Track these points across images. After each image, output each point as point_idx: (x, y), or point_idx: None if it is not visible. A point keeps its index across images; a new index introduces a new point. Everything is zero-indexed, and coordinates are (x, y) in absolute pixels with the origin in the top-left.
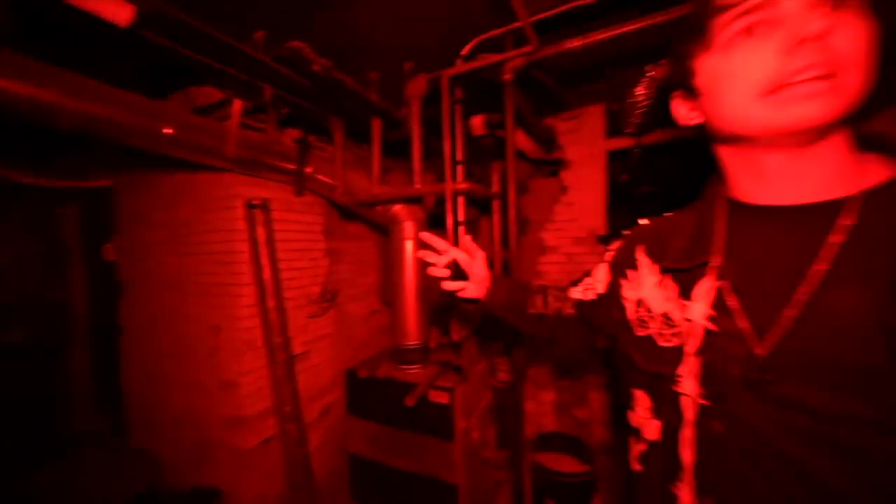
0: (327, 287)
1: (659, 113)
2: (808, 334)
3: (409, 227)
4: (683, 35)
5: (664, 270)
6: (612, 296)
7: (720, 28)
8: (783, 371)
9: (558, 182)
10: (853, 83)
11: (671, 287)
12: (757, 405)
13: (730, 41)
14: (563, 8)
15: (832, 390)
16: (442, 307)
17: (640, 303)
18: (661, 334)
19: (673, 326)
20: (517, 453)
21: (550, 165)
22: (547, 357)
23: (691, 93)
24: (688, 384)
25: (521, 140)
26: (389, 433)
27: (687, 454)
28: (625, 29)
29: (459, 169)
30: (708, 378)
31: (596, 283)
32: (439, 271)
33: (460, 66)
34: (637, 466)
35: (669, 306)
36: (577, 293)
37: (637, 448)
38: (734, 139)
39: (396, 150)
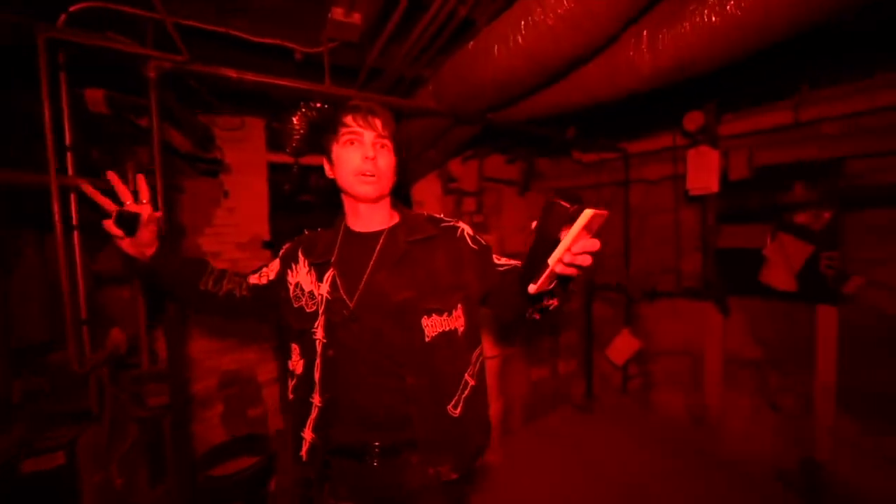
0: None
1: (311, 140)
2: (369, 294)
3: None
4: (327, 132)
5: (311, 264)
6: (280, 281)
7: (341, 135)
8: (361, 312)
9: (219, 184)
10: (387, 180)
11: (313, 274)
12: (352, 334)
13: (343, 143)
14: (218, 28)
15: (382, 318)
16: (37, 343)
17: (297, 285)
18: (307, 304)
19: (313, 299)
20: (183, 481)
21: (207, 164)
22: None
23: (330, 161)
24: (318, 332)
25: (169, 133)
26: None
27: (317, 374)
28: (279, 82)
29: (70, 156)
30: (328, 327)
31: (270, 272)
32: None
33: (74, 36)
34: (291, 396)
35: (312, 287)
36: (254, 279)
37: (291, 384)
38: (347, 194)
39: None
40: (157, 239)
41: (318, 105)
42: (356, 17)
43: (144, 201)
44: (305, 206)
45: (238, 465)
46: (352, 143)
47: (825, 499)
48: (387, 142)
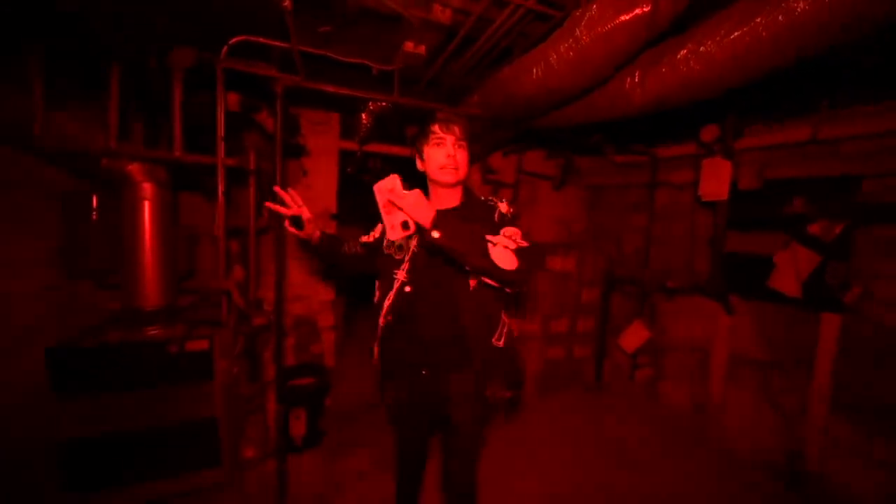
0: None
1: (375, 131)
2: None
3: (148, 188)
4: (419, 135)
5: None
6: (380, 238)
7: (431, 139)
8: (436, 263)
9: (299, 165)
10: (462, 172)
11: (403, 233)
12: (426, 277)
13: (432, 145)
14: (324, 52)
15: (446, 270)
16: (184, 272)
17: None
18: (395, 253)
19: (401, 251)
20: (264, 385)
21: (293, 147)
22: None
23: (421, 158)
24: (400, 275)
25: (267, 121)
26: (128, 398)
27: (386, 303)
28: (363, 94)
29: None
30: (411, 271)
31: (375, 233)
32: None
33: (237, 64)
34: (381, 321)
35: (402, 242)
36: (364, 239)
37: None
38: (431, 180)
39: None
40: (317, 228)
41: (382, 104)
42: (422, 49)
43: (301, 205)
44: (364, 186)
45: (304, 381)
46: (438, 145)
47: (808, 489)
48: (463, 143)
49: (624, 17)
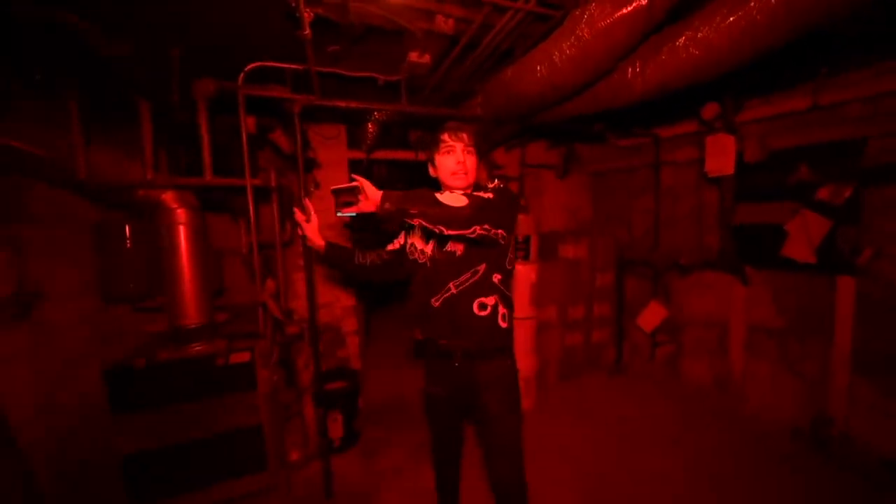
0: (21, 288)
1: (380, 140)
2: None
3: (182, 213)
4: (431, 145)
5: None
6: (404, 245)
7: (441, 147)
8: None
9: (312, 178)
10: (471, 176)
11: (422, 237)
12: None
13: (442, 153)
14: (334, 70)
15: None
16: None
17: (412, 244)
18: (419, 257)
19: (424, 255)
20: (301, 392)
21: (305, 163)
22: None
23: (433, 165)
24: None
25: (280, 139)
26: (179, 412)
27: (436, 303)
28: (373, 106)
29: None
30: (431, 273)
31: (399, 241)
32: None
33: (257, 90)
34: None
35: (423, 246)
36: (390, 247)
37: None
38: (443, 185)
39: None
40: (323, 240)
41: (387, 113)
42: (426, 58)
43: (313, 214)
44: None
45: (338, 385)
46: (448, 153)
47: (831, 448)
48: (472, 149)
49: (623, 12)
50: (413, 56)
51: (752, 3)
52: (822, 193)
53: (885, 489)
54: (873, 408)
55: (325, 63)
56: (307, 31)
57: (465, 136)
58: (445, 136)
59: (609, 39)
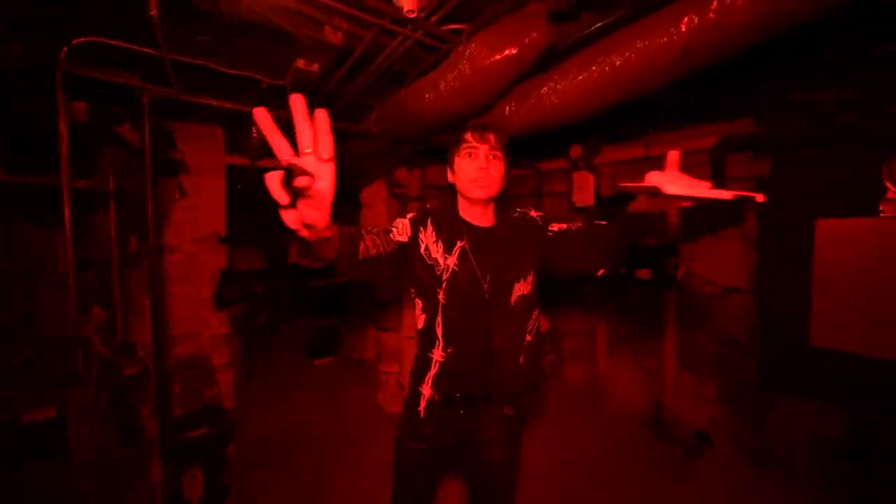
0: None
1: (268, 145)
2: (497, 273)
3: None
4: (451, 146)
5: (438, 235)
6: (413, 240)
7: (462, 148)
8: (482, 286)
9: (177, 183)
10: (496, 186)
11: (441, 246)
12: (468, 302)
13: (463, 155)
14: (204, 62)
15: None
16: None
17: (426, 247)
18: (436, 267)
19: (439, 265)
20: (147, 448)
21: (164, 165)
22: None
23: (452, 170)
24: (441, 294)
25: (131, 135)
26: None
27: (439, 330)
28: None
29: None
30: (449, 291)
31: (405, 231)
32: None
33: (83, 69)
34: (415, 349)
35: (439, 255)
36: (396, 237)
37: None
38: (463, 196)
39: None
40: (331, 219)
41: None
42: (315, 67)
43: (327, 157)
44: (262, 206)
45: (197, 433)
46: (470, 156)
47: (665, 428)
48: (498, 153)
49: (497, 56)
50: (300, 63)
51: (594, 68)
52: None
53: (696, 453)
54: (693, 394)
55: (196, 55)
56: (154, 12)
57: (491, 136)
58: (468, 136)
59: (487, 79)
